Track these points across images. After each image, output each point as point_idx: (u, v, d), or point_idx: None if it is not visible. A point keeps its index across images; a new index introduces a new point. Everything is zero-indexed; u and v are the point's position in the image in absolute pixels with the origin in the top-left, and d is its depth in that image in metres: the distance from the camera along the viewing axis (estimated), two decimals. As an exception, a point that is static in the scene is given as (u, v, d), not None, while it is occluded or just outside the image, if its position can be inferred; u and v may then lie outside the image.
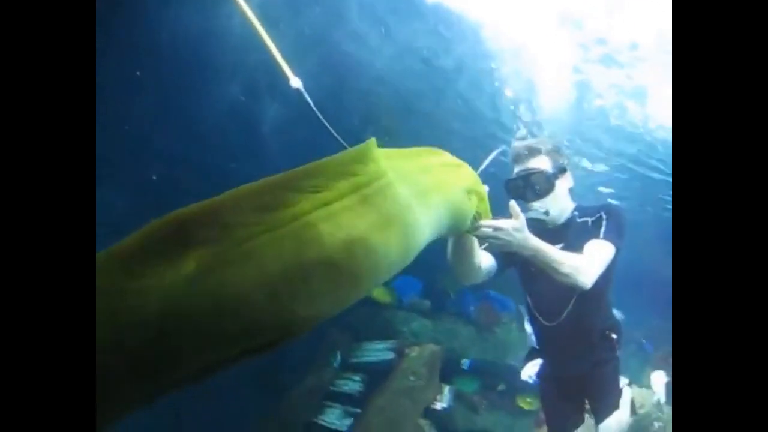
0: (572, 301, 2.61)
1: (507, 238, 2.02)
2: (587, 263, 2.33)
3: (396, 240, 1.21)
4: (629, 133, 6.22)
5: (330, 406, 5.94)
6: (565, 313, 2.64)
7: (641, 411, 6.61)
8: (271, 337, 1.02)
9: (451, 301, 6.96)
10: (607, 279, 2.55)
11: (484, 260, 2.45)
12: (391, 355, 5.94)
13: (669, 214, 8.48)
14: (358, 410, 5.65)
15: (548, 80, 5.01)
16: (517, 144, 2.63)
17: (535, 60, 4.79)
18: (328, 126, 1.65)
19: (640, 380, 6.94)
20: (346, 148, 1.38)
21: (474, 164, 1.97)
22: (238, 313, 0.96)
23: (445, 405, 5.83)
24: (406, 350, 5.85)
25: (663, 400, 6.83)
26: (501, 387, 6.79)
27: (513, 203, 2.10)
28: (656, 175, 7.34)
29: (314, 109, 1.66)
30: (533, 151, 2.55)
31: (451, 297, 6.98)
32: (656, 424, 6.73)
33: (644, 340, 8.37)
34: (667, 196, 8.02)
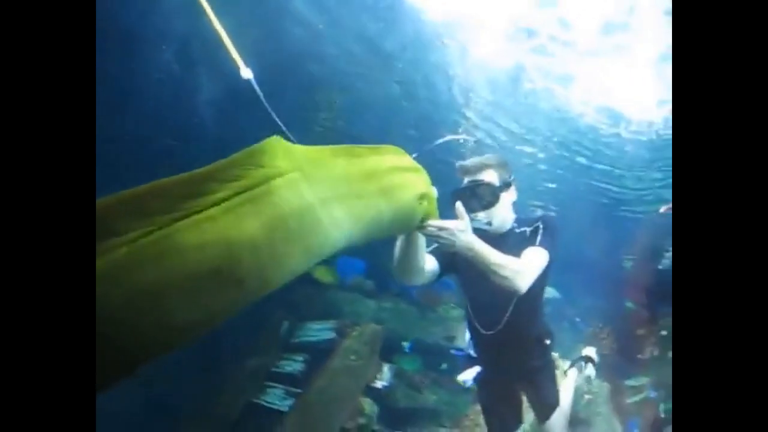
0: (510, 309, 2.70)
1: (451, 237, 2.09)
2: (524, 267, 2.39)
3: (288, 238, 1.18)
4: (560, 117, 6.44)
5: (272, 387, 5.92)
6: (503, 322, 2.73)
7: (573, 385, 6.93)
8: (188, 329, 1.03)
9: (393, 282, 7.03)
10: (541, 286, 2.68)
11: (428, 263, 2.50)
12: (332, 335, 5.96)
13: (599, 198, 8.87)
14: (300, 390, 5.65)
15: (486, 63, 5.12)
16: (468, 160, 2.73)
17: (475, 44, 4.87)
18: (275, 117, 1.64)
19: (571, 356, 7.25)
20: (289, 137, 1.34)
21: (419, 144, 2.00)
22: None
23: (385, 383, 5.92)
24: (348, 330, 5.88)
25: (593, 375, 7.16)
26: (444, 366, 6.95)
27: (458, 205, 2.18)
28: (583, 160, 7.62)
29: (263, 100, 1.63)
30: (482, 165, 2.66)
31: (393, 277, 7.03)
32: (586, 397, 7.11)
33: (578, 319, 8.76)
34: (596, 181, 8.35)
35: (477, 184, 2.61)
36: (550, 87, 5.73)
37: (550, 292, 7.39)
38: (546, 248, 2.55)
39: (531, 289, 2.41)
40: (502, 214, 2.70)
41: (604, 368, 7.46)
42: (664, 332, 8.02)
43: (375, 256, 6.84)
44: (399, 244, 2.26)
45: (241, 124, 4.05)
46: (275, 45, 4.69)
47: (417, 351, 6.65)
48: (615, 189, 8.66)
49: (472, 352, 3.11)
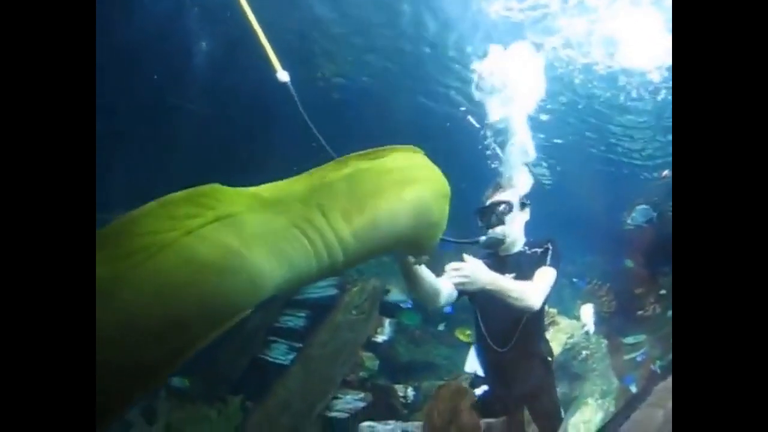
0: (521, 326, 2.88)
1: (472, 280, 2.41)
2: (535, 288, 2.67)
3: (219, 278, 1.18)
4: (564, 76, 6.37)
5: (275, 342, 6.02)
6: (514, 339, 2.91)
7: (570, 341, 7.05)
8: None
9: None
10: (544, 302, 2.84)
11: (445, 287, 2.67)
12: (334, 291, 6.02)
13: (602, 156, 8.81)
14: (302, 345, 5.75)
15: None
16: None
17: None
18: (309, 123, 1.67)
19: (570, 313, 7.35)
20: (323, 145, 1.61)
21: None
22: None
23: (385, 337, 6.02)
24: (349, 286, 5.94)
25: (591, 330, 7.28)
26: (441, 327, 7.07)
27: (465, 256, 2.46)
28: (589, 119, 7.55)
29: (299, 105, 1.65)
30: (504, 186, 2.99)
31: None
32: (584, 353, 7.23)
33: (575, 279, 8.81)
34: (601, 140, 8.29)
35: (497, 203, 2.92)
36: (555, 45, 5.63)
37: (549, 250, 7.43)
38: (554, 267, 2.81)
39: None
40: (516, 232, 2.97)
41: (602, 325, 7.59)
42: (663, 291, 8.10)
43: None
44: (403, 274, 2.41)
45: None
46: None
47: (417, 307, 6.73)
48: (619, 148, 8.61)
49: (479, 372, 3.24)
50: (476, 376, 3.29)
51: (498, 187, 3.03)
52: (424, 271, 2.40)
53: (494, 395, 3.19)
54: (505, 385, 3.14)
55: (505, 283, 2.56)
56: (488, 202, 2.98)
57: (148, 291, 1.05)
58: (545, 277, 2.75)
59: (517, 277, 2.75)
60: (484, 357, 3.18)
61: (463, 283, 2.44)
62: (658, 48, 5.54)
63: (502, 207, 2.93)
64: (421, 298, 2.59)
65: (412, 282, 2.41)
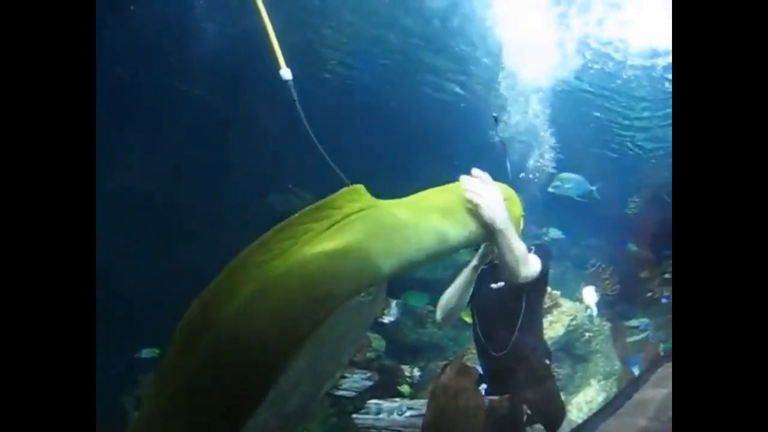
0: (516, 331, 2.93)
1: (483, 199, 2.00)
2: (534, 261, 2.60)
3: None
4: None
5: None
6: (511, 343, 2.94)
7: (573, 323, 7.13)
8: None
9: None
10: (540, 307, 3.02)
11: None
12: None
13: (607, 138, 8.80)
14: (310, 326, 5.83)
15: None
16: None
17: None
18: (305, 122, 1.74)
19: (573, 295, 7.40)
20: (316, 145, 1.82)
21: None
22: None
23: (392, 318, 6.11)
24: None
25: (594, 312, 7.34)
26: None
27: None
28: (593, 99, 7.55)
29: (297, 103, 1.70)
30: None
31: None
32: (587, 335, 7.31)
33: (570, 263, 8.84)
34: (605, 121, 8.28)
35: None
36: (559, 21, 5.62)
37: (553, 232, 7.48)
38: (539, 257, 2.72)
39: (530, 308, 2.84)
40: None
41: (605, 308, 7.65)
42: (667, 275, 8.12)
43: (380, 194, 6.90)
44: (459, 286, 2.60)
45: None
46: None
47: (423, 289, 6.81)
48: (624, 131, 8.59)
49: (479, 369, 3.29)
50: (479, 374, 3.40)
51: None
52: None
53: (495, 394, 3.22)
54: (504, 387, 3.16)
55: (515, 236, 2.23)
56: None
57: (293, 282, 1.40)
58: (533, 257, 2.67)
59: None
60: (483, 360, 3.21)
61: (476, 204, 1.98)
62: (666, 32, 5.53)
63: None
64: (455, 313, 2.78)
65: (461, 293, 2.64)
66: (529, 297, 3.04)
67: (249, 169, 6.38)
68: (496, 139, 3.45)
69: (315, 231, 1.48)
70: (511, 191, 2.17)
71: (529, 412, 3.45)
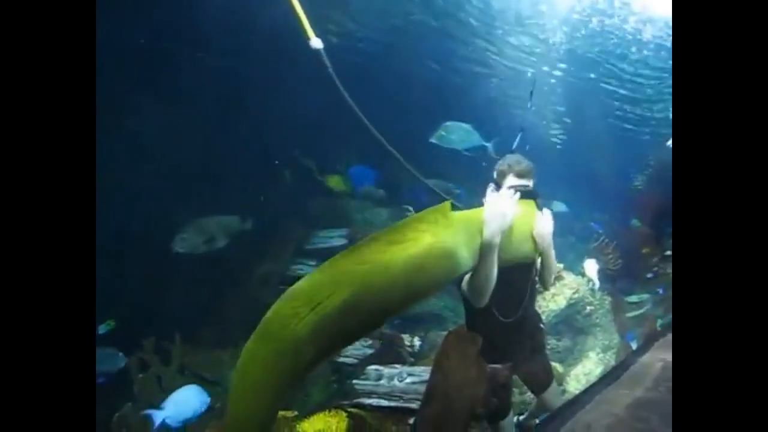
0: (527, 296, 3.08)
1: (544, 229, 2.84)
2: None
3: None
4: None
5: (285, 290, 6.09)
6: (521, 310, 3.07)
7: (575, 296, 7.14)
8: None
9: (404, 191, 7.06)
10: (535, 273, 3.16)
11: None
12: (344, 241, 6.07)
13: (614, 113, 8.71)
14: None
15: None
16: (520, 163, 3.00)
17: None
18: (343, 92, 1.70)
19: (576, 269, 7.41)
20: (358, 113, 2.43)
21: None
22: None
23: (394, 287, 6.07)
24: (359, 237, 5.97)
25: (596, 285, 7.35)
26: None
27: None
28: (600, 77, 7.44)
29: (331, 72, 1.71)
30: (530, 171, 2.97)
31: (404, 187, 7.07)
32: (588, 308, 7.33)
33: (592, 223, 8.81)
34: (613, 98, 8.19)
35: (525, 189, 2.87)
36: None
37: (557, 205, 7.43)
38: None
39: (531, 276, 3.04)
40: None
41: (606, 283, 7.66)
42: (668, 252, 8.12)
43: (387, 165, 6.84)
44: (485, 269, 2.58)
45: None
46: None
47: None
48: (631, 107, 8.50)
49: None
50: None
51: (522, 173, 2.96)
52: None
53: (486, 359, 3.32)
54: (502, 354, 3.15)
55: (553, 254, 2.96)
56: (516, 183, 2.92)
57: (400, 271, 2.04)
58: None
59: None
60: (484, 325, 3.12)
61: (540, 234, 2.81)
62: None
63: (528, 194, 2.89)
64: (486, 293, 2.71)
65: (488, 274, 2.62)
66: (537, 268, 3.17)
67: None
68: (532, 109, 3.49)
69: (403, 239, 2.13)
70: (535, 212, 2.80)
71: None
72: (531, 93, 3.55)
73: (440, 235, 2.18)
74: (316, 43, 1.70)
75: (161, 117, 5.49)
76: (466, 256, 2.34)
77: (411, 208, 6.61)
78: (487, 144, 6.23)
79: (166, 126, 5.51)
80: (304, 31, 1.69)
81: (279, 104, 6.23)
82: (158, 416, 3.92)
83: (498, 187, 2.95)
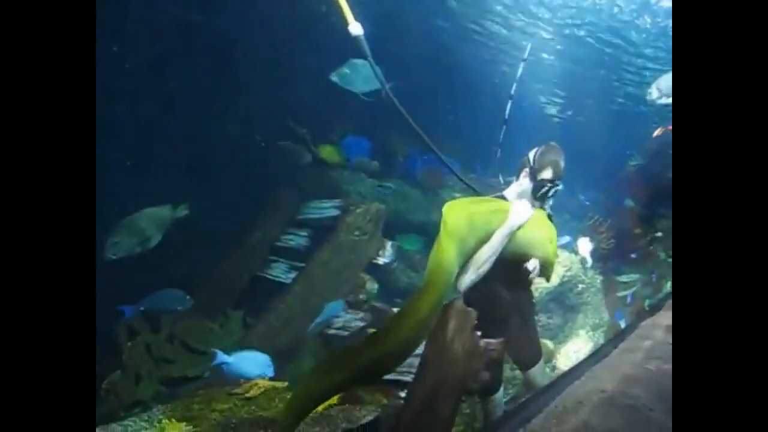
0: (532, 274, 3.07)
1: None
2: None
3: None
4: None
5: (275, 261, 6.03)
6: (519, 282, 3.12)
7: (568, 274, 7.14)
8: None
9: (398, 163, 6.96)
10: None
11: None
12: (336, 212, 5.97)
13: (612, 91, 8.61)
14: (303, 264, 5.76)
15: None
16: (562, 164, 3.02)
17: None
18: (380, 77, 1.90)
19: (569, 246, 7.40)
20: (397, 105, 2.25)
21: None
22: None
23: (387, 260, 6.03)
24: (352, 207, 5.88)
25: (588, 264, 7.36)
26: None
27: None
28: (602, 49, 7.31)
29: (370, 60, 1.60)
30: (546, 166, 2.98)
31: (399, 159, 6.96)
32: (579, 286, 7.35)
33: (581, 196, 8.79)
34: (612, 75, 8.08)
35: (557, 187, 3.00)
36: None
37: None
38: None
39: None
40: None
41: (598, 262, 7.67)
42: (659, 233, 8.13)
43: (381, 136, 6.71)
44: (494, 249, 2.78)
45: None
46: None
47: (419, 232, 6.73)
48: (630, 87, 8.40)
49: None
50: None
51: (559, 174, 3.03)
52: None
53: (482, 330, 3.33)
54: (497, 327, 3.17)
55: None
56: (553, 178, 3.00)
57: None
58: None
59: None
60: (481, 296, 3.15)
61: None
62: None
63: (557, 193, 3.04)
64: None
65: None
66: None
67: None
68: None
69: None
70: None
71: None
72: (523, 60, 3.42)
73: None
74: (355, 29, 1.61)
75: (155, 82, 5.30)
76: (457, 261, 2.53)
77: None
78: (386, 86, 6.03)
79: (159, 91, 5.33)
80: (344, 17, 1.60)
81: (274, 72, 6.06)
82: (221, 358, 4.08)
83: (533, 175, 2.99)
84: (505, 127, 3.44)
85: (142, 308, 4.73)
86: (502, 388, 3.47)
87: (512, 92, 3.43)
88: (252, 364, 4.17)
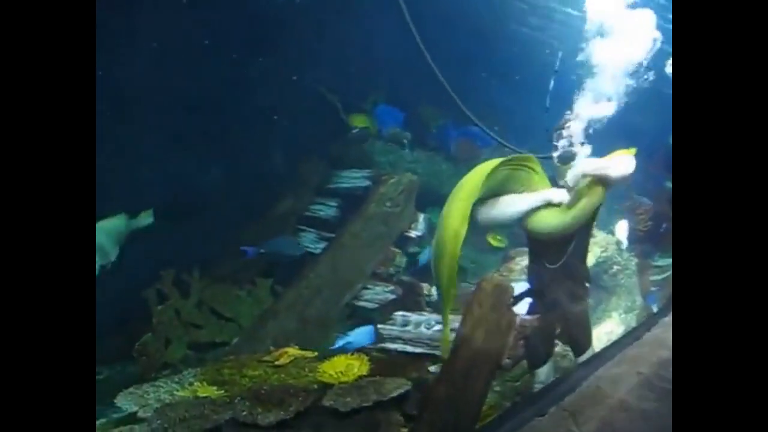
0: (570, 247, 3.30)
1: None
2: None
3: None
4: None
5: (303, 230, 5.96)
6: (564, 257, 3.30)
7: (604, 254, 6.96)
8: None
9: (431, 135, 6.77)
10: (591, 228, 3.46)
11: None
12: (367, 183, 5.85)
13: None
14: (332, 235, 5.67)
15: None
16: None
17: None
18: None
19: (607, 227, 7.21)
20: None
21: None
22: None
23: (419, 233, 5.90)
24: (384, 178, 5.74)
25: (624, 245, 7.17)
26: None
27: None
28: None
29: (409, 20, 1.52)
30: (574, 117, 3.42)
31: (432, 131, 6.78)
32: (615, 268, 7.17)
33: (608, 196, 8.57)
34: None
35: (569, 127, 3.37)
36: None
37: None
38: None
39: (583, 227, 3.22)
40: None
41: (635, 243, 7.46)
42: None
43: (415, 107, 6.53)
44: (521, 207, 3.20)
45: None
46: None
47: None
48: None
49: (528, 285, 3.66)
50: (528, 289, 3.63)
51: (570, 116, 3.38)
52: None
53: (537, 309, 3.54)
54: (547, 300, 3.48)
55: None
56: (563, 124, 3.34)
57: None
58: None
59: None
60: (535, 272, 3.56)
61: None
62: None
63: (572, 132, 3.32)
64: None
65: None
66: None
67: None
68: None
69: None
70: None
71: (558, 330, 3.54)
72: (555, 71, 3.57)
73: None
74: None
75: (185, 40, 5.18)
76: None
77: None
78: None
79: (192, 54, 5.21)
80: None
81: (309, 38, 5.90)
82: (344, 339, 4.42)
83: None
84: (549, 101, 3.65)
85: (262, 250, 5.03)
86: (551, 362, 3.63)
87: (556, 69, 3.70)
88: (365, 335, 4.36)
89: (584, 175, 3.02)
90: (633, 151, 3.19)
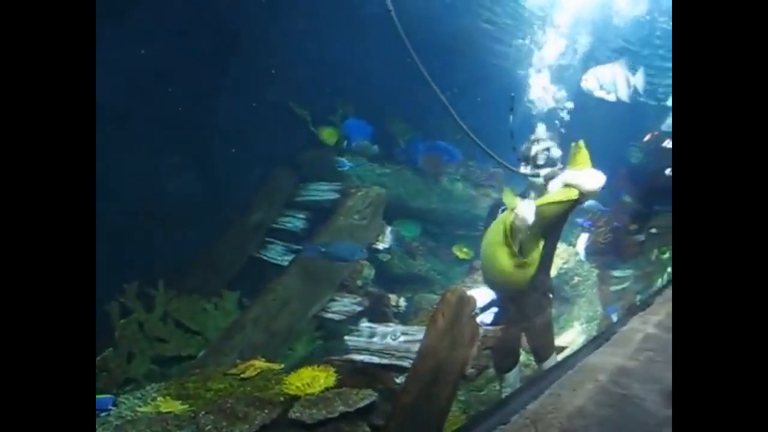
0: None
1: None
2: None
3: None
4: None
5: (272, 243, 5.95)
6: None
7: (565, 266, 7.15)
8: None
9: (399, 149, 6.86)
10: (557, 241, 3.59)
11: None
12: (335, 195, 5.89)
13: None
14: (300, 247, 5.68)
15: None
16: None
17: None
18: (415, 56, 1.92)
19: (568, 239, 7.40)
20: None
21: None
22: None
23: (386, 245, 5.97)
24: (352, 191, 5.80)
25: (582, 255, 7.39)
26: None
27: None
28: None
29: (401, 32, 1.56)
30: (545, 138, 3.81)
31: (400, 145, 6.87)
32: (576, 279, 7.38)
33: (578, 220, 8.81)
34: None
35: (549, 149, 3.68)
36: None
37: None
38: None
39: (551, 238, 3.42)
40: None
41: (595, 255, 7.68)
42: (653, 230, 8.15)
43: (382, 120, 6.61)
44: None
45: None
46: None
47: (418, 218, 6.67)
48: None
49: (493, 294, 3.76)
50: (492, 300, 3.76)
51: (542, 139, 3.62)
52: None
53: (503, 320, 3.65)
54: (514, 312, 3.58)
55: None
56: (543, 146, 3.58)
57: None
58: None
59: None
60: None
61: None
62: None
63: (553, 153, 3.60)
64: None
65: None
66: (554, 228, 3.44)
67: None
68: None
69: None
70: None
71: (522, 339, 3.65)
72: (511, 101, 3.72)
73: None
74: None
75: (156, 52, 5.14)
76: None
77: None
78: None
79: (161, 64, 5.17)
80: None
81: (276, 51, 5.92)
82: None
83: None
84: (511, 118, 3.66)
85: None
86: (517, 367, 3.78)
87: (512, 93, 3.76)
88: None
89: (566, 185, 3.24)
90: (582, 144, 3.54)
